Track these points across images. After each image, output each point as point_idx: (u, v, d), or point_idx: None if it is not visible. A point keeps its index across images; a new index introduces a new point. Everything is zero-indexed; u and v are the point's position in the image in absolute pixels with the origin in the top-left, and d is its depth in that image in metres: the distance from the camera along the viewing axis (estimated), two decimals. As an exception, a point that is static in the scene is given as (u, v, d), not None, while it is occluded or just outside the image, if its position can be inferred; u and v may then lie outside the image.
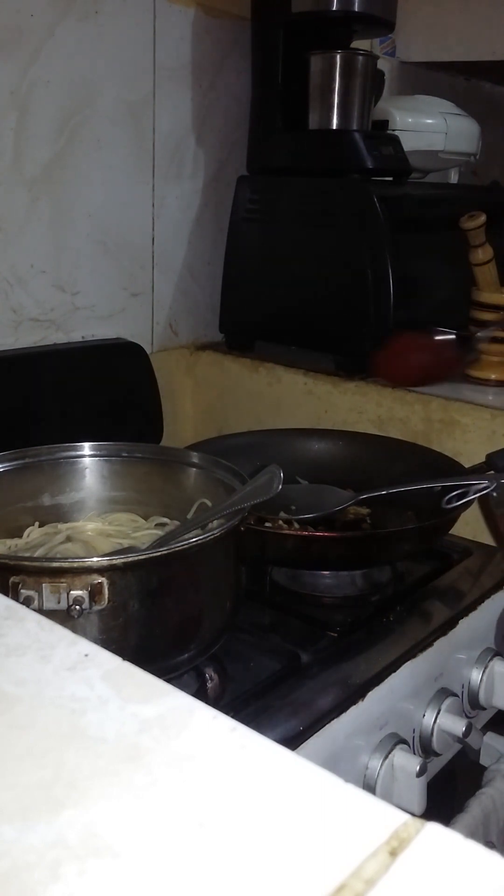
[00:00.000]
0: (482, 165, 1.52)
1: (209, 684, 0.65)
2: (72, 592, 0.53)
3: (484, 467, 0.84)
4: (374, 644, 0.70)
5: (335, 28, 1.15)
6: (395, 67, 1.48)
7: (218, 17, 1.16)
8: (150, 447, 0.78)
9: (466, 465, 0.85)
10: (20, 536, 0.71)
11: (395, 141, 1.15)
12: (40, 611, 0.48)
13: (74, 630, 0.36)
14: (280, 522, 0.82)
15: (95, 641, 0.35)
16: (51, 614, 0.45)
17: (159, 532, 0.72)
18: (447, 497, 0.76)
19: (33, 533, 0.72)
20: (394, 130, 1.23)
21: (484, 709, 0.77)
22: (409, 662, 0.68)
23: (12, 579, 0.54)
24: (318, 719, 0.60)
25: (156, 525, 0.74)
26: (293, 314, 1.15)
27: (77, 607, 0.53)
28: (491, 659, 0.76)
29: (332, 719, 0.60)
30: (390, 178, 1.15)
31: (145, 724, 0.29)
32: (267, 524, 0.80)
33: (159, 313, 1.19)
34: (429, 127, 1.26)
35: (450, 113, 1.30)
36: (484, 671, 0.75)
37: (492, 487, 0.75)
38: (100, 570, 0.54)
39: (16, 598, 0.53)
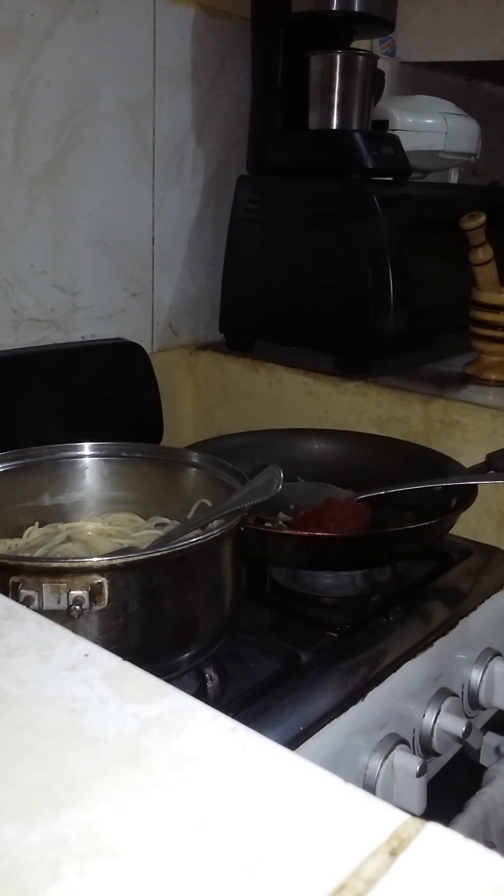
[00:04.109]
0: (482, 165, 1.52)
1: (209, 684, 0.65)
2: (72, 592, 0.53)
3: (484, 467, 0.84)
4: (374, 644, 0.70)
5: (335, 28, 1.15)
6: (395, 67, 1.48)
7: (218, 17, 1.16)
8: (150, 447, 0.78)
9: (466, 465, 0.85)
10: (20, 536, 0.71)
11: (395, 141, 1.15)
12: (40, 611, 0.48)
13: (74, 630, 0.36)
14: (280, 523, 0.82)
15: (95, 641, 0.35)
16: (51, 614, 0.45)
17: (159, 532, 0.72)
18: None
19: (33, 533, 0.72)
20: (394, 130, 1.23)
21: (484, 709, 0.77)
22: (409, 662, 0.68)
23: (12, 579, 0.54)
24: (318, 719, 0.59)
25: (156, 525, 0.73)
26: (293, 314, 1.14)
27: (77, 607, 0.53)
28: (491, 659, 0.76)
29: (332, 719, 0.60)
30: (390, 178, 1.15)
31: (145, 724, 0.29)
32: (267, 524, 0.80)
33: (159, 313, 1.19)
34: (429, 127, 1.26)
35: (450, 113, 1.30)
36: (484, 671, 0.75)
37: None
38: (100, 570, 0.54)
39: (16, 598, 0.53)
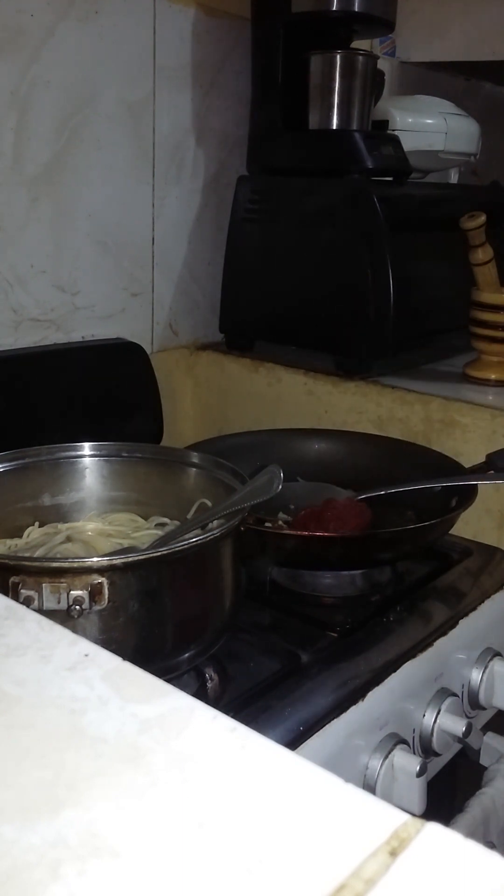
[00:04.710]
0: (482, 165, 1.52)
1: (209, 684, 0.65)
2: (72, 592, 0.53)
3: (484, 467, 0.84)
4: (374, 644, 0.70)
5: (335, 28, 1.15)
6: (395, 67, 1.48)
7: (218, 17, 1.16)
8: (150, 447, 0.78)
9: (466, 465, 0.85)
10: (20, 536, 0.71)
11: (395, 141, 1.15)
12: (40, 611, 0.48)
13: (74, 630, 0.36)
14: (280, 523, 0.82)
15: (95, 641, 0.35)
16: (51, 614, 0.45)
17: (159, 532, 0.72)
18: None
19: (33, 533, 0.72)
20: (394, 130, 1.23)
21: (484, 709, 0.77)
22: (409, 662, 0.68)
23: (12, 579, 0.54)
24: (318, 719, 0.59)
25: (156, 525, 0.73)
26: (293, 314, 1.14)
27: (77, 607, 0.53)
28: (491, 659, 0.76)
29: (332, 719, 0.60)
30: (390, 178, 1.15)
31: (145, 724, 0.29)
32: (267, 524, 0.80)
33: (159, 313, 1.19)
34: (429, 127, 1.26)
35: (450, 113, 1.30)
36: (484, 671, 0.75)
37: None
38: (100, 570, 0.54)
39: (16, 598, 0.53)
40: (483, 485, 0.83)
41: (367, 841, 0.24)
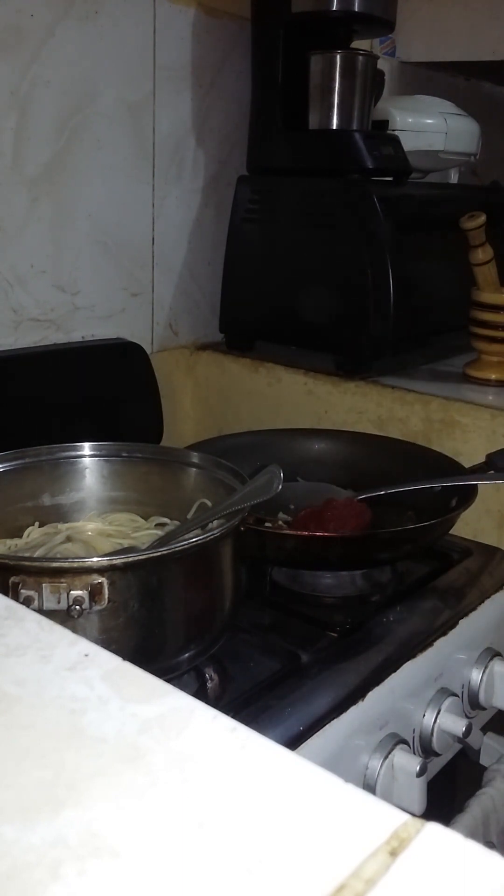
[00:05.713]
0: (482, 165, 1.52)
1: (209, 684, 0.65)
2: (72, 592, 0.53)
3: (484, 467, 0.84)
4: (374, 644, 0.70)
5: (335, 28, 1.15)
6: (395, 67, 1.48)
7: (218, 17, 1.16)
8: (150, 447, 0.78)
9: (466, 465, 0.85)
10: (20, 536, 0.71)
11: (395, 141, 1.15)
12: (40, 611, 0.48)
13: (74, 630, 0.36)
14: (280, 523, 0.82)
15: (95, 641, 0.35)
16: (51, 614, 0.45)
17: (159, 532, 0.72)
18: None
19: (33, 533, 0.72)
20: (394, 130, 1.23)
21: (484, 709, 0.77)
22: (409, 662, 0.68)
23: (12, 579, 0.54)
24: (318, 719, 0.60)
25: (156, 525, 0.74)
26: (293, 314, 1.14)
27: (77, 607, 0.53)
28: (491, 659, 0.76)
29: (332, 719, 0.60)
30: (390, 178, 1.15)
31: (145, 724, 0.29)
32: (267, 524, 0.80)
33: (159, 313, 1.19)
34: (429, 127, 1.26)
35: (450, 113, 1.30)
36: (484, 671, 0.75)
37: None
38: (100, 570, 0.54)
39: (16, 598, 0.53)
40: (483, 485, 0.83)
41: (367, 841, 0.24)
